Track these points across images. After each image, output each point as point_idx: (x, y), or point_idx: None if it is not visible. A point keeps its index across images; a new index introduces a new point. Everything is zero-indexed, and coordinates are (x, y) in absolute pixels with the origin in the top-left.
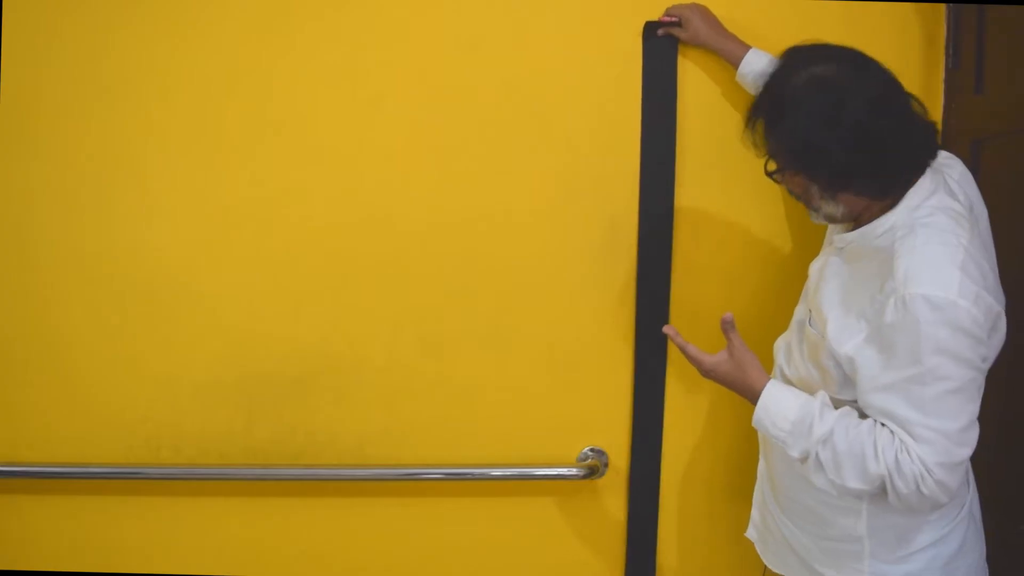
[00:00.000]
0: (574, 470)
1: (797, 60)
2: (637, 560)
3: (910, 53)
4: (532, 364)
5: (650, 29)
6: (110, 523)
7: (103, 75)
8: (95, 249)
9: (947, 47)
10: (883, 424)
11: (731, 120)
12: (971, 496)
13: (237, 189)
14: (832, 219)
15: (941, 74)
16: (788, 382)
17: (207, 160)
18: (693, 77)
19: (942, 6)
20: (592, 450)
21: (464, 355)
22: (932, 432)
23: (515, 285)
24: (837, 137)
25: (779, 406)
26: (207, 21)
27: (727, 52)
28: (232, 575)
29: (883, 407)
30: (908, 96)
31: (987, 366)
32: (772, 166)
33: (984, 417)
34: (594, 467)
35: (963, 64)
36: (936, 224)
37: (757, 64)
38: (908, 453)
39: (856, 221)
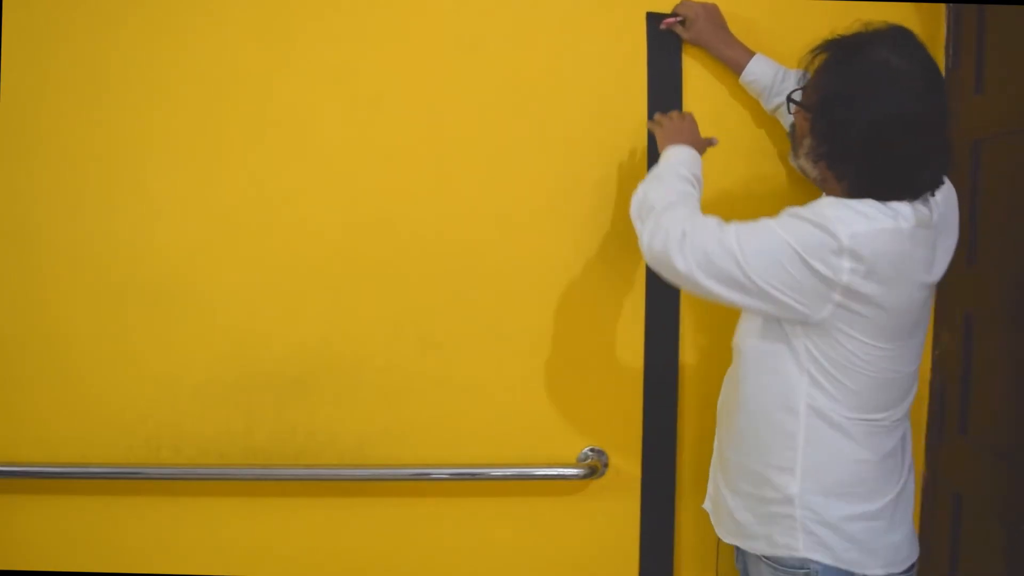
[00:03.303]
0: (574, 470)
1: (892, 39)
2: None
3: None
4: (532, 364)
5: (653, 20)
6: (110, 523)
7: (103, 76)
8: (96, 249)
9: (947, 47)
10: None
11: (734, 115)
12: (904, 479)
13: (237, 190)
14: (803, 171)
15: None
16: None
17: (207, 161)
18: (698, 71)
19: (942, 6)
20: (592, 450)
21: (464, 355)
22: (702, 227)
23: (515, 285)
24: (862, 122)
25: (677, 156)
26: (208, 22)
27: (729, 59)
28: (232, 575)
29: None
30: (943, 140)
31: (802, 305)
32: (799, 96)
33: (988, 417)
34: (594, 467)
35: (963, 64)
36: (889, 203)
37: (765, 71)
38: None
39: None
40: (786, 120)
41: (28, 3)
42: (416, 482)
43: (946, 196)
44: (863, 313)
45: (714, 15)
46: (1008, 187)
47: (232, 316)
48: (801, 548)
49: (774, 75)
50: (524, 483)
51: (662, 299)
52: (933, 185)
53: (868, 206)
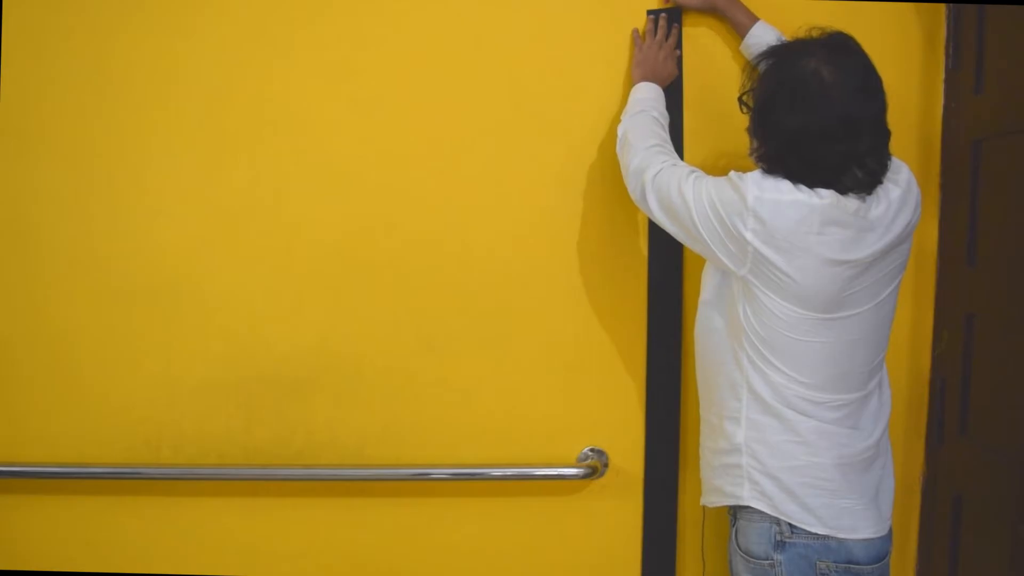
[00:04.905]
0: (574, 470)
1: (826, 50)
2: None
3: (910, 53)
4: (532, 364)
5: (653, 15)
6: (110, 523)
7: (104, 76)
8: (96, 250)
9: (947, 47)
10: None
11: (733, 111)
12: (858, 455)
13: (238, 190)
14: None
15: (941, 74)
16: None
17: (208, 161)
18: (696, 66)
19: (942, 6)
20: (592, 450)
21: (464, 355)
22: (660, 169)
23: (514, 285)
24: (788, 128)
25: (646, 93)
26: (208, 21)
27: (735, 20)
28: (232, 575)
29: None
30: (873, 145)
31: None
32: (747, 98)
33: (988, 417)
34: (594, 467)
35: (963, 64)
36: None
37: (764, 37)
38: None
39: None
40: None
41: (28, 3)
42: (416, 482)
43: (901, 199)
44: (772, 277)
45: None
46: (1008, 187)
47: (232, 316)
48: (745, 496)
49: (775, 40)
50: (524, 483)
51: (663, 299)
52: (867, 185)
53: (781, 182)
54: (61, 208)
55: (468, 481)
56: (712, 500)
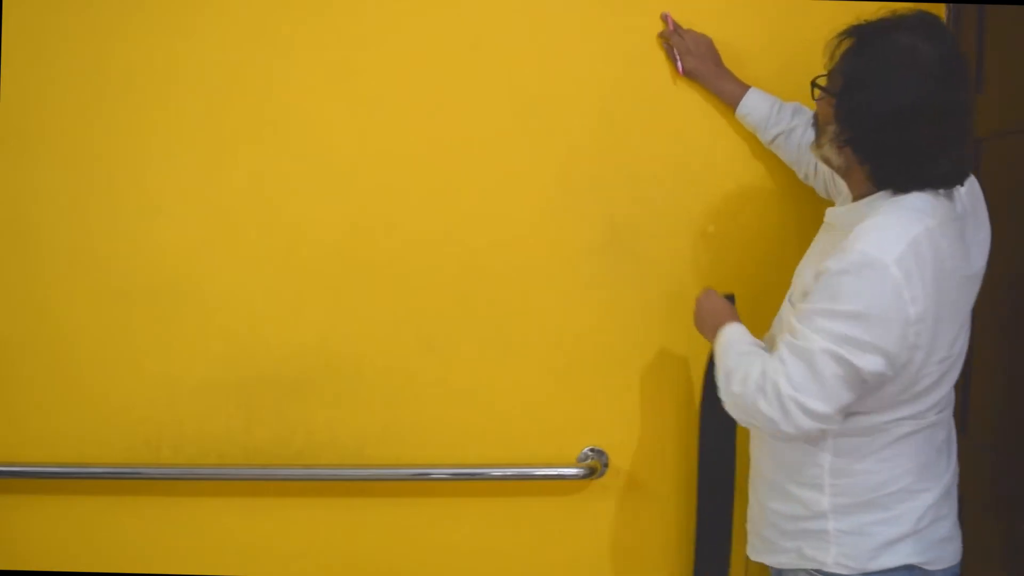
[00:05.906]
0: (574, 470)
1: (920, 25)
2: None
3: None
4: (532, 364)
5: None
6: (110, 523)
7: (104, 76)
8: (96, 249)
9: None
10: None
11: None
12: (935, 469)
13: (238, 190)
14: (827, 161)
15: None
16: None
17: (208, 161)
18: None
19: (942, 6)
20: (592, 450)
21: (464, 355)
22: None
23: (515, 285)
24: (887, 106)
25: (730, 337)
26: (208, 21)
27: (723, 92)
28: (232, 575)
29: (789, 323)
30: (967, 131)
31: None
32: (823, 81)
33: (988, 417)
34: (594, 467)
35: None
36: (907, 203)
37: (760, 103)
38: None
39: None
40: (784, 152)
41: (28, 3)
42: (416, 482)
43: (970, 190)
44: (922, 344)
45: (706, 48)
46: (1008, 187)
47: (232, 316)
48: (830, 563)
49: (769, 108)
50: (524, 483)
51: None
52: (959, 176)
53: (891, 224)
54: (61, 208)
55: (468, 481)
56: (781, 560)
